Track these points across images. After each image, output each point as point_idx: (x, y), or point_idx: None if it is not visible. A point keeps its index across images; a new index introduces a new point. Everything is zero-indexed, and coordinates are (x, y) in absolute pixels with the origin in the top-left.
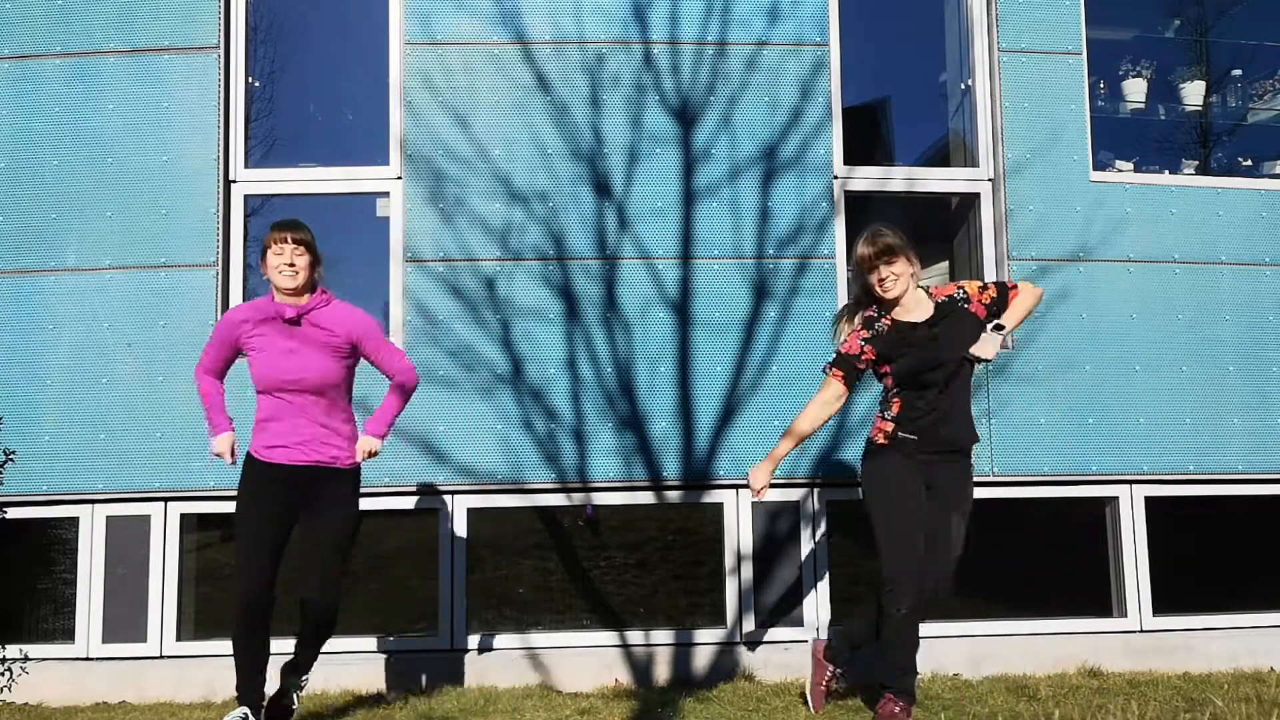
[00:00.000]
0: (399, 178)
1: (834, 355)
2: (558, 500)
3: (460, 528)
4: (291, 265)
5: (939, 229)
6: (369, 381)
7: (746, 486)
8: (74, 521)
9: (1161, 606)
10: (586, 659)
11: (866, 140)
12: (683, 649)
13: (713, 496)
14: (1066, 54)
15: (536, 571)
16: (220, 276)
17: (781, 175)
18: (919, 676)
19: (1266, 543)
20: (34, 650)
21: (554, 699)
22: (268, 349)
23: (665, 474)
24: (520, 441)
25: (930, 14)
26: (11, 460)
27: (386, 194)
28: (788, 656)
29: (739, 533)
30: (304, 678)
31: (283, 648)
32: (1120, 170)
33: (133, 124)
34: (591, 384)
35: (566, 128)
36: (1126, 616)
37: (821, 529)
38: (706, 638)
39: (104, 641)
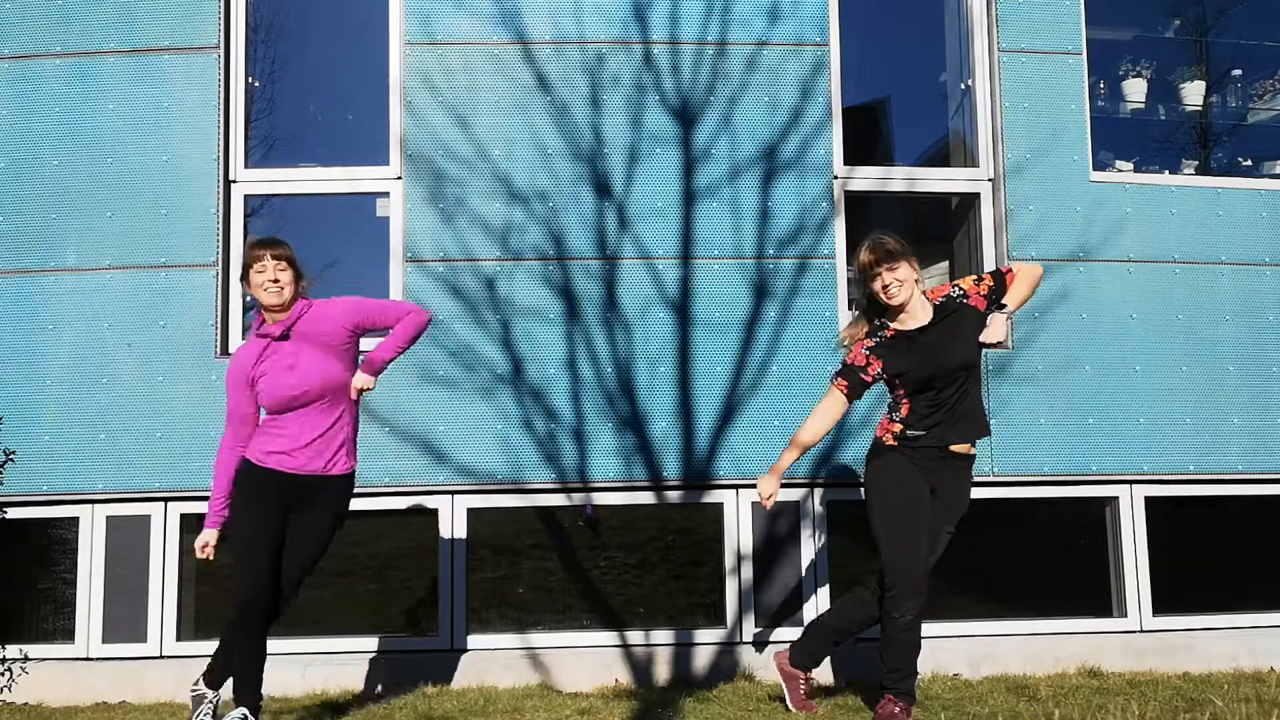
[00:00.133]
0: (399, 178)
1: (840, 365)
2: (558, 500)
3: (460, 528)
4: (276, 281)
5: (939, 229)
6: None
7: (746, 486)
8: (74, 521)
9: (1161, 606)
10: (586, 659)
11: (866, 140)
12: (683, 649)
13: (713, 496)
14: (1066, 54)
15: (536, 571)
16: (220, 276)
17: (781, 175)
18: (919, 677)
19: (1266, 543)
20: (34, 650)
21: (554, 699)
22: (269, 372)
23: (665, 474)
24: (520, 441)
25: (930, 14)
26: (11, 460)
27: (386, 194)
28: None
29: (739, 533)
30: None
31: (280, 648)
32: (1120, 170)
33: (133, 124)
34: (591, 384)
35: (566, 128)
36: (1126, 616)
37: (821, 529)
38: (706, 638)
39: (104, 641)
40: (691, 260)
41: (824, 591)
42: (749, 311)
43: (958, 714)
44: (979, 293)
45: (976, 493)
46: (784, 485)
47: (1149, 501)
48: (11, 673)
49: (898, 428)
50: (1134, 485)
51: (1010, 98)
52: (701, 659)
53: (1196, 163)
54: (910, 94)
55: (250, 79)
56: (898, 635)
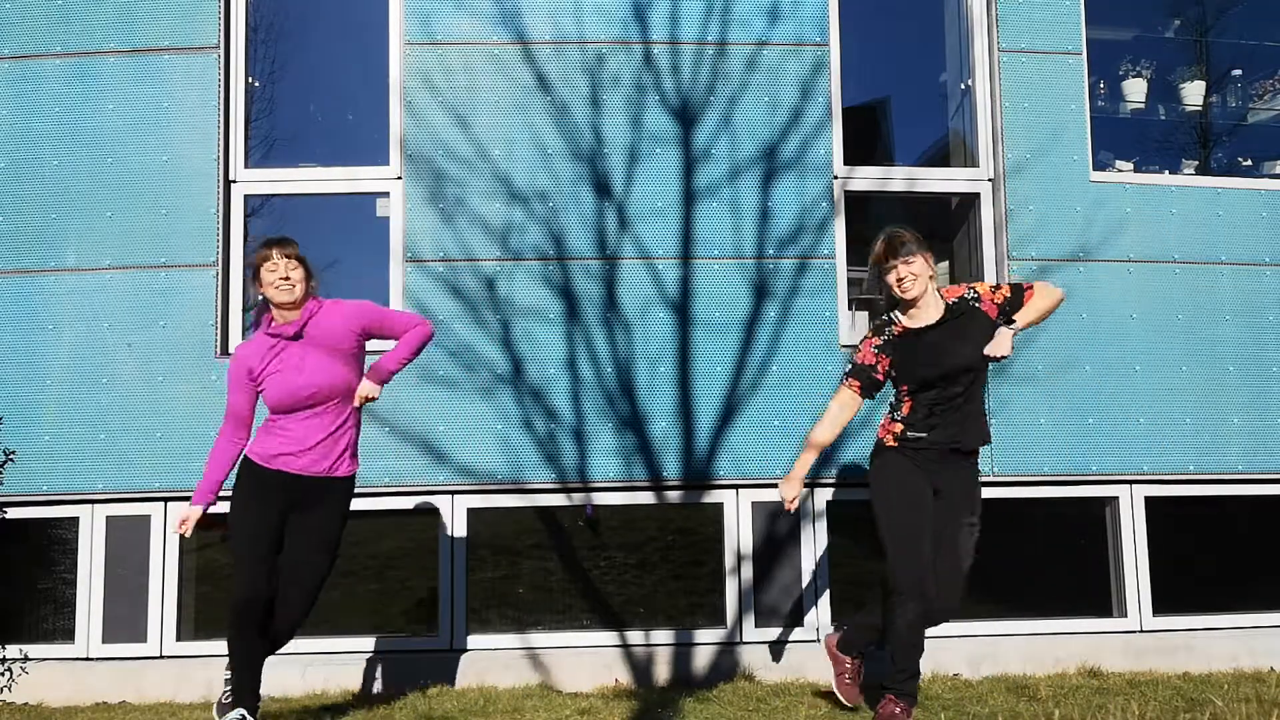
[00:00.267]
0: (399, 178)
1: (850, 365)
2: (558, 500)
3: (460, 528)
4: (287, 279)
5: (939, 229)
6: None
7: (746, 486)
8: (74, 521)
9: (1161, 606)
10: (586, 659)
11: (866, 140)
12: (683, 649)
13: (713, 496)
14: (1066, 54)
15: (536, 571)
16: (220, 276)
17: (781, 175)
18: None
19: (1266, 543)
20: (34, 650)
21: (554, 699)
22: (279, 372)
23: (665, 474)
24: (520, 441)
25: (930, 14)
26: (11, 460)
27: (386, 194)
28: (788, 656)
29: (739, 533)
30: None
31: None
32: (1120, 170)
33: (133, 124)
34: (591, 384)
35: (566, 128)
36: (1126, 616)
37: (821, 529)
38: (706, 638)
39: (104, 641)
40: (691, 260)
41: (824, 591)
42: (749, 311)
43: (958, 714)
44: (993, 300)
45: None
46: None
47: (1149, 501)
48: (11, 673)
49: (898, 428)
50: (1134, 485)
51: (1010, 98)
52: (701, 659)
53: (1196, 163)
54: (910, 94)
55: (250, 79)
56: (901, 635)
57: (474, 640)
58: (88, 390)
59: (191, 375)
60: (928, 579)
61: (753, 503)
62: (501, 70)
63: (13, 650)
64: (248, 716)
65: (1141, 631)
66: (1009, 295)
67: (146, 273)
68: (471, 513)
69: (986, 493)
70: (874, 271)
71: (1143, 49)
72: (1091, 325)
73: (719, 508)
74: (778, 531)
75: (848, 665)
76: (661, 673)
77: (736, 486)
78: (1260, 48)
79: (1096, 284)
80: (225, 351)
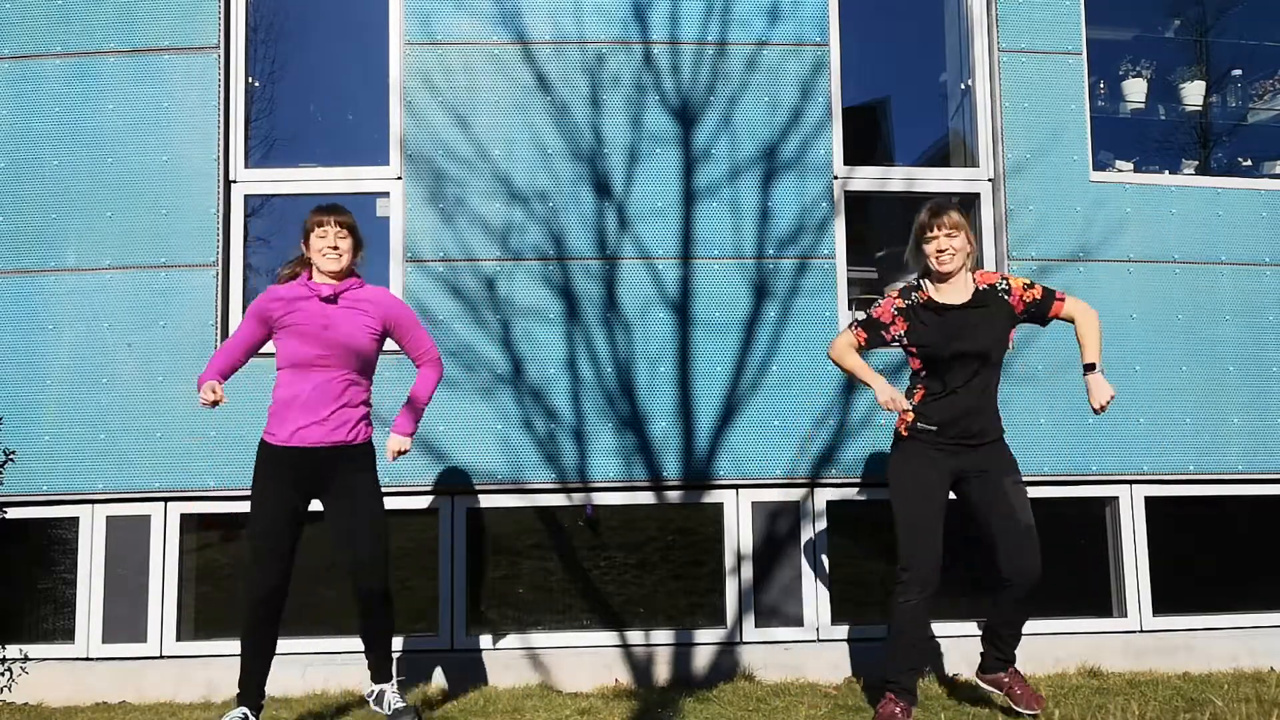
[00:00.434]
0: (399, 178)
1: (864, 316)
2: (558, 500)
3: (460, 528)
4: (335, 248)
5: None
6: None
7: (746, 486)
8: (74, 521)
9: (1161, 606)
10: (586, 659)
11: (866, 140)
12: (683, 649)
13: (713, 496)
14: (1066, 54)
15: (536, 571)
16: (220, 276)
17: (781, 175)
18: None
19: (1266, 543)
20: (34, 650)
21: (554, 699)
22: (302, 324)
23: (665, 474)
24: (520, 441)
25: (930, 14)
26: (11, 460)
27: (386, 194)
28: (788, 656)
29: (739, 533)
30: (391, 684)
31: (281, 648)
32: (1120, 170)
33: (133, 124)
34: (591, 384)
35: (566, 128)
36: (1126, 616)
37: (821, 529)
38: (706, 638)
39: (104, 641)
40: (691, 260)
41: (824, 591)
42: (749, 311)
43: (958, 714)
44: (1022, 297)
45: None
46: (784, 485)
47: (1149, 501)
48: (11, 673)
49: (910, 417)
50: (1134, 485)
51: (1010, 98)
52: (701, 659)
53: (1196, 163)
54: (910, 94)
55: (250, 79)
56: (903, 622)
57: (474, 640)
58: (88, 390)
59: (191, 375)
60: (935, 570)
61: (753, 503)
62: (501, 70)
63: (13, 650)
64: (249, 716)
65: (1141, 631)
66: (1038, 298)
67: (146, 273)
68: (471, 513)
69: None
70: (914, 240)
71: (1143, 49)
72: None
73: (719, 508)
74: (778, 531)
75: (1005, 680)
76: (661, 673)
77: (736, 486)
78: (1260, 48)
79: (1096, 284)
80: None
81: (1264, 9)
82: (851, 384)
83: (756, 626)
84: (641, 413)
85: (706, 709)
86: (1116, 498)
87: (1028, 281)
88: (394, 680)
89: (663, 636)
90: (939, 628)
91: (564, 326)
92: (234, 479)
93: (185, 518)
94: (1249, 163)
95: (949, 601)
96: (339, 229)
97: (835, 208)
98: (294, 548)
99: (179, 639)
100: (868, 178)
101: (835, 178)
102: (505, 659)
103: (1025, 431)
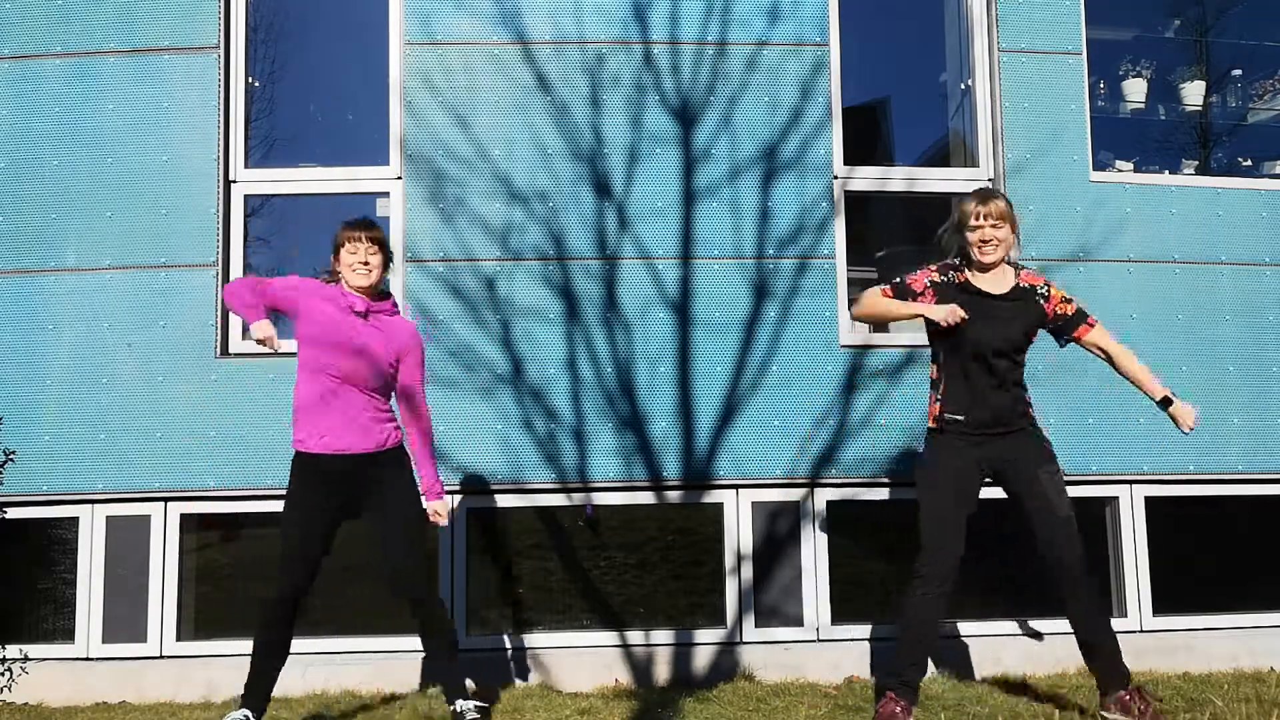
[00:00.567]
0: (399, 178)
1: (897, 280)
2: (558, 500)
3: (460, 528)
4: (366, 264)
5: (939, 229)
6: None
7: (746, 486)
8: (74, 521)
9: (1161, 606)
10: (586, 659)
11: (866, 140)
12: (683, 649)
13: (713, 496)
14: (1066, 54)
15: (536, 571)
16: (220, 276)
17: (781, 175)
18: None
19: (1266, 543)
20: (34, 650)
21: (554, 699)
22: (332, 328)
23: (665, 474)
24: (520, 441)
25: (930, 14)
26: (11, 460)
27: (386, 194)
28: (788, 656)
29: (739, 533)
30: (466, 701)
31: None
32: (1120, 170)
33: (133, 124)
34: (591, 384)
35: (566, 128)
36: (1126, 616)
37: (821, 529)
38: (706, 638)
39: (104, 641)
40: (691, 260)
41: (824, 591)
42: (749, 311)
43: (958, 714)
44: (1056, 307)
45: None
46: (784, 485)
47: (1149, 501)
48: (11, 673)
49: (937, 408)
50: (1134, 485)
51: (1010, 98)
52: (701, 659)
53: (1196, 163)
54: (910, 94)
55: (250, 79)
56: (913, 615)
57: (474, 640)
58: (88, 390)
59: (191, 375)
60: (954, 563)
61: (753, 503)
62: (501, 70)
63: (13, 650)
64: (250, 717)
65: (1141, 631)
66: (1070, 314)
67: (146, 273)
68: (471, 513)
69: (987, 493)
70: (956, 226)
71: (1143, 49)
72: None
73: (719, 508)
74: (778, 531)
75: (1126, 698)
76: (661, 673)
77: (736, 486)
78: (1260, 48)
79: (1096, 284)
80: (225, 352)
81: (1264, 9)
82: (852, 384)
83: (756, 626)
84: (641, 413)
85: (706, 709)
86: (1116, 498)
87: (1067, 296)
88: (468, 695)
89: (663, 636)
90: (950, 626)
91: (564, 326)
92: (234, 479)
93: (185, 518)
94: (1249, 163)
95: (954, 601)
96: (369, 245)
97: (835, 208)
98: (323, 555)
99: (179, 639)
100: (868, 178)
101: (835, 178)
102: (505, 659)
103: None
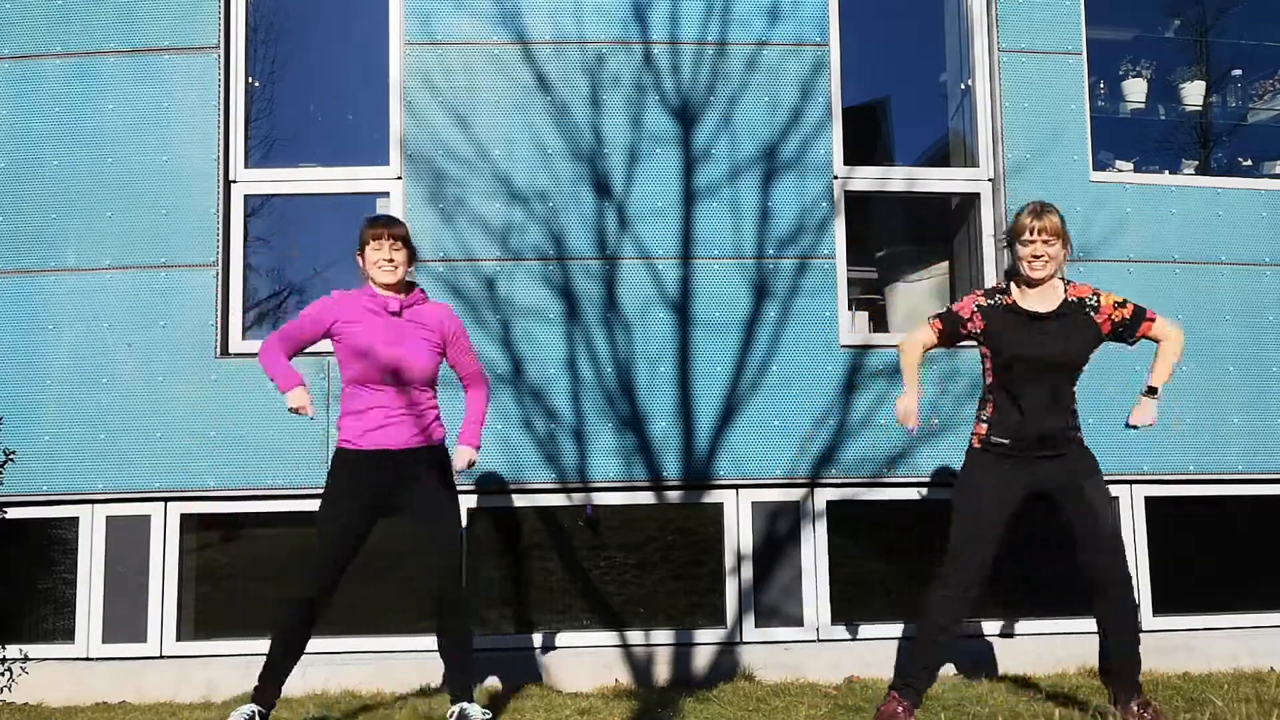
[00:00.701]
0: (399, 178)
1: (944, 310)
2: (558, 500)
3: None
4: (390, 260)
5: (939, 229)
6: None
7: (746, 486)
8: (74, 521)
9: (1161, 606)
10: (586, 659)
11: (866, 140)
12: (683, 649)
13: (713, 496)
14: (1066, 54)
15: (536, 571)
16: (220, 276)
17: (781, 175)
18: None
19: (1266, 543)
20: (34, 650)
21: (554, 699)
22: (369, 337)
23: (665, 474)
24: (520, 441)
25: (930, 14)
26: (11, 460)
27: (386, 194)
28: (788, 656)
29: (739, 533)
30: (472, 703)
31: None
32: (1120, 170)
33: (133, 124)
34: (591, 384)
35: (566, 128)
36: None
37: (821, 529)
38: (706, 638)
39: (104, 641)
40: (691, 260)
41: (824, 591)
42: (749, 311)
43: (958, 714)
44: (1110, 316)
45: None
46: (784, 485)
47: (1149, 501)
48: (11, 673)
49: (984, 429)
50: (1134, 485)
51: (1010, 98)
52: (701, 659)
53: (1196, 163)
54: (910, 94)
55: (250, 79)
56: (929, 615)
57: (474, 640)
58: (88, 390)
59: (191, 375)
60: (977, 578)
61: (753, 503)
62: (501, 70)
63: (13, 650)
64: (258, 715)
65: (1141, 631)
66: (1128, 318)
67: (146, 273)
68: (471, 513)
69: None
70: (1007, 239)
71: (1143, 49)
72: None
73: (719, 508)
74: (778, 531)
75: (1135, 708)
76: (661, 673)
77: (736, 486)
78: (1260, 48)
79: (1096, 284)
80: (225, 352)
81: (1264, 9)
82: (852, 384)
83: (756, 626)
84: (641, 413)
85: (706, 709)
86: (1117, 498)
87: (1119, 300)
88: (473, 698)
89: (663, 636)
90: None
91: (564, 326)
92: (234, 479)
93: (185, 518)
94: (1249, 163)
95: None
96: (394, 241)
97: (835, 208)
98: (352, 557)
99: (179, 639)
100: (868, 178)
101: (835, 178)
102: (505, 659)
103: None
